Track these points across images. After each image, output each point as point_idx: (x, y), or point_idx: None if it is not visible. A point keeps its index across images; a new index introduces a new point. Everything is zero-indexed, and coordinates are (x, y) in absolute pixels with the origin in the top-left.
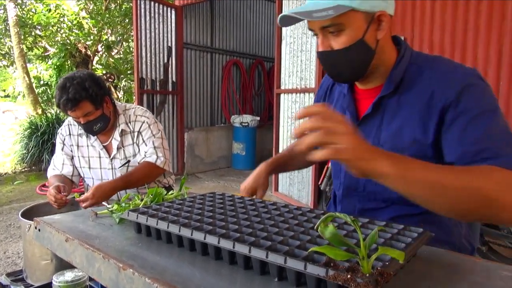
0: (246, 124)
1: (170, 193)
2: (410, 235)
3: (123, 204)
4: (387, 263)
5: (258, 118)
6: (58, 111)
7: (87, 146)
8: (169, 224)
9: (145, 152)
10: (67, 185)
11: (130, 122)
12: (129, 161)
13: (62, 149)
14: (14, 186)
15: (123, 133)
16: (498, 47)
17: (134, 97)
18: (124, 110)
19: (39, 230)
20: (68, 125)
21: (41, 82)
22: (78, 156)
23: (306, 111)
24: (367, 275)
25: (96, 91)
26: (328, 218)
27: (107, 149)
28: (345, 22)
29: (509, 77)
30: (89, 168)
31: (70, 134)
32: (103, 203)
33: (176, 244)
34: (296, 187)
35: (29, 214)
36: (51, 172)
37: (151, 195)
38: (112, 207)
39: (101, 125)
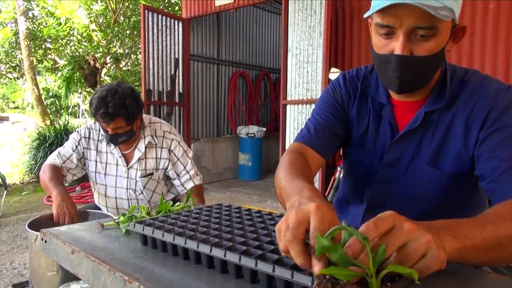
0: (253, 135)
1: (176, 204)
2: None
3: (130, 216)
4: (397, 278)
5: (265, 129)
6: (66, 122)
7: (106, 152)
8: (175, 237)
9: (190, 174)
10: (58, 179)
11: (156, 136)
12: (152, 174)
13: (76, 147)
14: (22, 196)
15: (148, 146)
16: (506, 58)
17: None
18: (149, 123)
19: (45, 241)
20: (90, 128)
21: (50, 94)
22: (96, 161)
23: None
24: None
25: (134, 110)
26: (334, 232)
27: (126, 157)
28: (441, 28)
29: None
30: (105, 174)
31: (89, 137)
32: (110, 214)
33: (182, 257)
34: None
35: (36, 225)
36: (52, 159)
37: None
38: (118, 219)
39: (126, 138)
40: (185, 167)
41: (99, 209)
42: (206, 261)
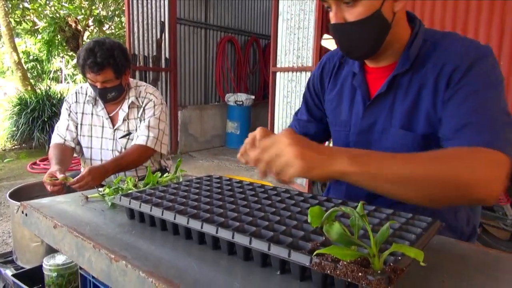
0: (241, 102)
1: (165, 175)
2: (419, 225)
3: (116, 187)
4: (399, 258)
5: (253, 97)
6: (48, 88)
7: (92, 114)
8: (164, 211)
9: (139, 132)
10: (67, 157)
11: (140, 97)
12: (130, 133)
13: (69, 115)
14: (4, 164)
15: (131, 106)
16: (500, 26)
17: None
18: (136, 86)
19: (26, 214)
20: (75, 93)
21: (30, 58)
22: (81, 124)
23: (244, 148)
24: (379, 271)
25: (122, 62)
26: (333, 213)
27: (112, 119)
28: None
29: (510, 56)
30: (90, 136)
31: (77, 101)
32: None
33: (171, 232)
34: None
35: (18, 194)
36: (55, 139)
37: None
38: (104, 191)
39: (115, 94)
40: (147, 126)
41: None
42: (197, 237)
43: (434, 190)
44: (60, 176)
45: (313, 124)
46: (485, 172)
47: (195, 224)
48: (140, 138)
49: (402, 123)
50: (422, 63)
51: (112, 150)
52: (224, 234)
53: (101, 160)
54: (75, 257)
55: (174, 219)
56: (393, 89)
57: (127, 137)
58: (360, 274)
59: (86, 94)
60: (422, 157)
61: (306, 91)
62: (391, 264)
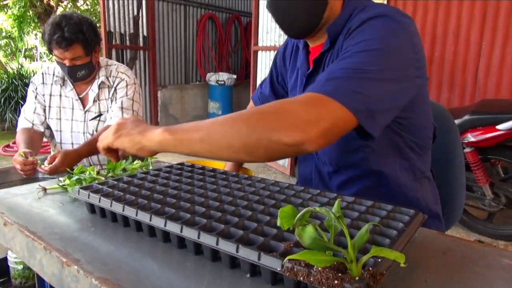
0: (222, 82)
1: (135, 162)
2: (401, 218)
3: (77, 178)
4: (379, 259)
5: (235, 76)
6: (20, 67)
7: (60, 95)
8: (125, 207)
9: (112, 113)
10: (36, 141)
11: (110, 77)
12: (101, 115)
13: (36, 97)
14: None
15: (101, 86)
16: (483, 7)
17: (102, 52)
18: (106, 65)
19: None
20: (42, 73)
21: (3, 34)
22: (49, 107)
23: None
24: (357, 278)
25: (91, 37)
26: (306, 215)
27: (82, 100)
28: None
29: (492, 37)
30: (59, 119)
31: (43, 83)
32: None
33: (134, 229)
34: None
35: None
36: (21, 123)
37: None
38: (64, 181)
39: (85, 72)
40: (120, 107)
41: None
42: (161, 235)
43: (239, 140)
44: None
45: (274, 99)
46: (295, 115)
47: (158, 222)
48: (113, 120)
49: None
50: (343, 38)
51: (84, 133)
52: (190, 234)
53: (72, 144)
54: (26, 258)
55: (136, 215)
56: (320, 67)
57: (98, 118)
58: (336, 281)
59: (54, 74)
60: (231, 115)
61: (272, 66)
62: (370, 268)
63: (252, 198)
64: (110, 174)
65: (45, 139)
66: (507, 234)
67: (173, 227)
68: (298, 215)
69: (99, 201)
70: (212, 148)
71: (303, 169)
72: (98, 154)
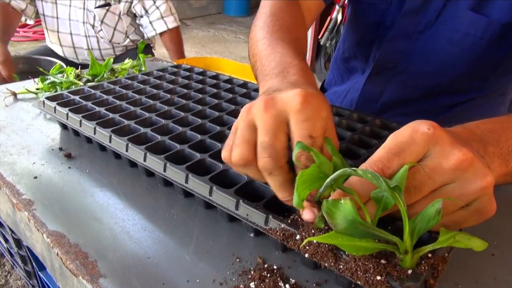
0: None
1: (125, 62)
2: None
3: (51, 82)
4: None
5: None
6: None
7: None
8: (96, 129)
9: (161, 11)
10: (12, 23)
11: None
12: (109, 4)
13: None
14: None
15: None
16: None
17: None
18: None
19: None
20: None
21: None
22: None
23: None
24: (409, 271)
25: None
26: (340, 179)
27: None
28: None
29: None
30: (55, 3)
31: None
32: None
33: (112, 155)
34: None
35: None
36: None
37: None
38: (37, 85)
39: None
40: (154, 2)
41: (52, 53)
42: (143, 168)
43: None
44: None
45: None
46: None
47: (136, 154)
48: (168, 18)
49: (474, 3)
50: None
51: (83, 22)
52: (154, 166)
53: (71, 33)
54: None
55: (110, 142)
56: None
57: (106, 8)
58: (378, 277)
59: None
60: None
61: None
62: (430, 255)
63: None
64: (91, 77)
65: (29, 21)
66: None
67: (157, 166)
68: (327, 180)
69: (67, 118)
70: None
71: (368, 88)
72: (101, 49)
